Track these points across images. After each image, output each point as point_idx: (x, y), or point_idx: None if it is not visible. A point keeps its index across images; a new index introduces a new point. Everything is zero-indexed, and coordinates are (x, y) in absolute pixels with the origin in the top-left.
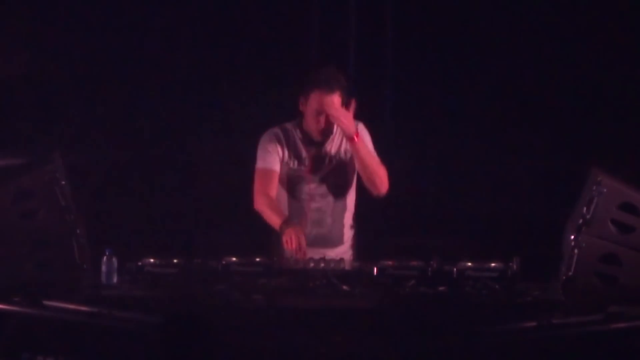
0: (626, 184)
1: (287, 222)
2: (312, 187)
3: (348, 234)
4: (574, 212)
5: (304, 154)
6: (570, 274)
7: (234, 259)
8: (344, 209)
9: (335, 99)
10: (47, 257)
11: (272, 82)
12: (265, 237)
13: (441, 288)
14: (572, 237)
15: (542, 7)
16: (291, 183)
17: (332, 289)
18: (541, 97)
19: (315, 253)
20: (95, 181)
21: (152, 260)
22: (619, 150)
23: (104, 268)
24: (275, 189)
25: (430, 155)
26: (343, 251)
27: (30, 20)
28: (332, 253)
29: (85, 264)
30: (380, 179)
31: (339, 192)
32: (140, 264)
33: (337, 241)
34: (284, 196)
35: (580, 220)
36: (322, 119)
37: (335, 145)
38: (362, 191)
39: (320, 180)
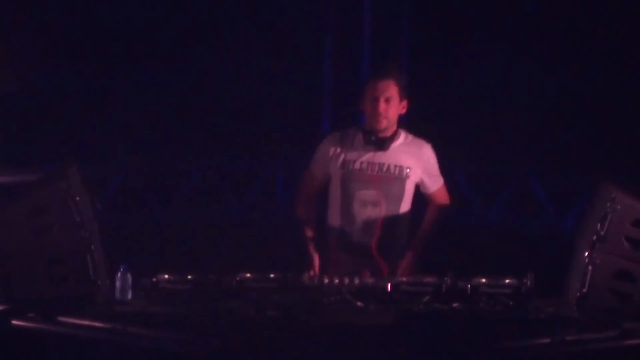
0: None
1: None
2: (366, 193)
3: (400, 242)
4: (582, 227)
5: (363, 157)
6: (584, 290)
7: (249, 274)
8: (395, 220)
9: (387, 84)
10: (62, 273)
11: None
12: (279, 253)
13: (455, 304)
14: (586, 253)
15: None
16: (345, 186)
17: (346, 305)
18: (557, 112)
19: (360, 263)
20: (109, 196)
21: (166, 276)
22: (632, 165)
23: (118, 284)
24: (316, 194)
25: (444, 171)
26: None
27: (45, 32)
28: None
29: (99, 279)
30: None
31: (391, 203)
32: (154, 280)
33: (390, 251)
34: (337, 199)
35: (594, 237)
36: (378, 104)
37: (395, 156)
38: None
39: (374, 188)
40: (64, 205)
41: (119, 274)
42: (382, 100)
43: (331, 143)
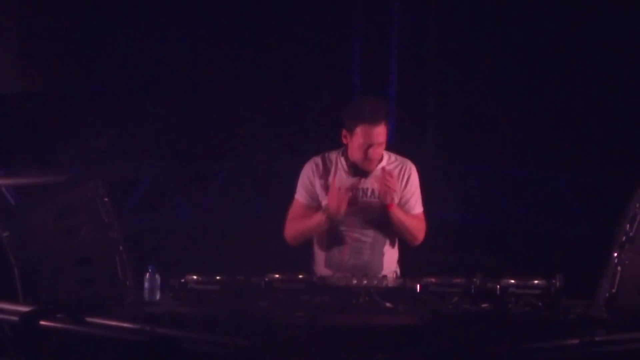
0: None
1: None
2: (354, 219)
3: (388, 264)
4: (618, 230)
5: (347, 183)
6: (613, 291)
7: (277, 275)
8: (385, 241)
9: (381, 130)
10: (90, 274)
11: (311, 100)
12: (308, 254)
13: (484, 305)
14: (615, 254)
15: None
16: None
17: (375, 306)
18: (588, 115)
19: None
20: (138, 198)
21: (194, 277)
22: None
23: (146, 285)
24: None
25: (473, 175)
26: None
27: (63, 35)
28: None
29: (128, 280)
30: (413, 238)
31: (380, 225)
32: (183, 280)
33: (378, 270)
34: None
35: (624, 238)
36: (370, 150)
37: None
38: None
39: (361, 213)
40: (92, 207)
41: (148, 274)
42: (376, 146)
43: (312, 169)
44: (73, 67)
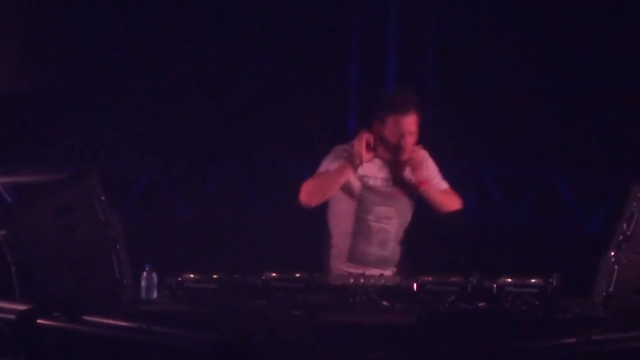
0: None
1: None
2: (381, 210)
3: (402, 257)
4: (615, 229)
5: (379, 173)
6: (610, 290)
7: (274, 274)
8: (403, 232)
9: (413, 119)
10: (87, 273)
11: (311, 97)
12: (305, 252)
13: (481, 304)
14: (612, 253)
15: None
16: (362, 200)
17: (372, 304)
18: (585, 112)
19: (374, 273)
20: (135, 196)
21: (191, 275)
22: None
23: (143, 283)
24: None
25: (470, 172)
26: (394, 272)
27: (62, 35)
28: (388, 272)
29: (125, 279)
30: (450, 208)
31: (403, 216)
32: (180, 279)
33: (395, 263)
34: (351, 212)
35: (621, 237)
36: (402, 140)
37: (406, 169)
38: None
39: (389, 204)
40: (89, 205)
41: (145, 273)
42: (407, 135)
43: (342, 157)
44: (70, 65)
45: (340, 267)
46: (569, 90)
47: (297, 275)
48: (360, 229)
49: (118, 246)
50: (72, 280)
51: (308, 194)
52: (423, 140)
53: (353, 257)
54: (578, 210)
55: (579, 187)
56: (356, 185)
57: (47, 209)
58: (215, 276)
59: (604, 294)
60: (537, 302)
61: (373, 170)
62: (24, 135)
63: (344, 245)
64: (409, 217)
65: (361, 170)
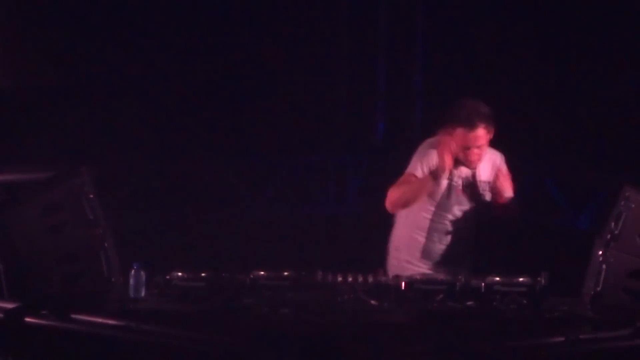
0: None
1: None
2: (459, 210)
3: (470, 255)
4: (603, 228)
5: (460, 172)
6: (598, 289)
7: (262, 272)
8: (474, 234)
9: (480, 133)
10: (75, 271)
11: (301, 94)
12: (293, 251)
13: (469, 303)
14: (600, 252)
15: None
16: (441, 200)
17: (360, 303)
18: (574, 112)
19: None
20: (123, 194)
21: (180, 273)
22: None
23: (132, 281)
24: None
25: None
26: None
27: (54, 31)
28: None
29: (113, 277)
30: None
31: (477, 218)
32: (168, 277)
33: (465, 263)
34: (430, 210)
35: (609, 236)
36: (470, 153)
37: (481, 172)
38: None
39: (467, 204)
40: (78, 203)
41: (133, 271)
42: (474, 149)
43: (432, 153)
44: (60, 62)
45: (413, 262)
46: (559, 87)
47: (286, 273)
48: (438, 227)
49: (106, 244)
50: (60, 278)
51: (393, 203)
52: (412, 139)
53: (428, 254)
54: (567, 209)
55: (568, 185)
56: (443, 184)
57: (36, 207)
58: (203, 274)
59: (592, 292)
60: (525, 301)
61: (455, 171)
62: (10, 133)
63: (418, 242)
64: (480, 219)
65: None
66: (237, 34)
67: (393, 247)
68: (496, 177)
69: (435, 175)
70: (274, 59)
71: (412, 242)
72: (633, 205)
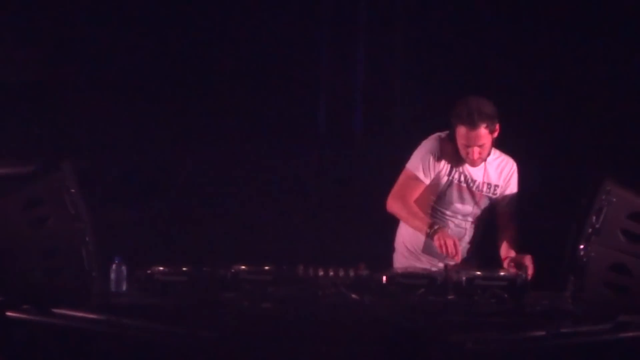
0: (636, 194)
1: (433, 227)
2: (460, 207)
3: (472, 253)
4: (577, 221)
5: (461, 169)
6: (579, 283)
7: (243, 267)
8: (477, 234)
9: (481, 132)
10: (57, 265)
11: (281, 86)
12: (274, 245)
13: (450, 297)
14: (582, 246)
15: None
16: (441, 196)
17: (341, 297)
18: (555, 106)
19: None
20: (104, 189)
21: (161, 268)
22: (634, 159)
23: (113, 276)
24: (414, 198)
25: None
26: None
27: (38, 22)
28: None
29: (94, 271)
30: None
31: (480, 218)
32: (149, 272)
33: (466, 260)
34: (430, 205)
35: (590, 230)
36: (471, 151)
37: (486, 174)
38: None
39: (468, 203)
40: (59, 198)
41: (114, 265)
42: (475, 148)
43: (438, 151)
44: (41, 57)
45: (417, 257)
46: (546, 85)
47: (267, 268)
48: (437, 222)
49: (87, 239)
50: (41, 272)
51: (392, 213)
52: (394, 132)
53: (429, 249)
54: (547, 203)
55: (548, 179)
56: (443, 180)
57: (17, 202)
58: (184, 269)
59: (573, 287)
60: (506, 295)
61: (456, 168)
62: None
63: (420, 236)
64: (485, 221)
65: (447, 167)
66: (219, 30)
67: (398, 241)
68: (526, 258)
69: (430, 233)
70: (254, 55)
71: (415, 237)
72: (614, 199)
